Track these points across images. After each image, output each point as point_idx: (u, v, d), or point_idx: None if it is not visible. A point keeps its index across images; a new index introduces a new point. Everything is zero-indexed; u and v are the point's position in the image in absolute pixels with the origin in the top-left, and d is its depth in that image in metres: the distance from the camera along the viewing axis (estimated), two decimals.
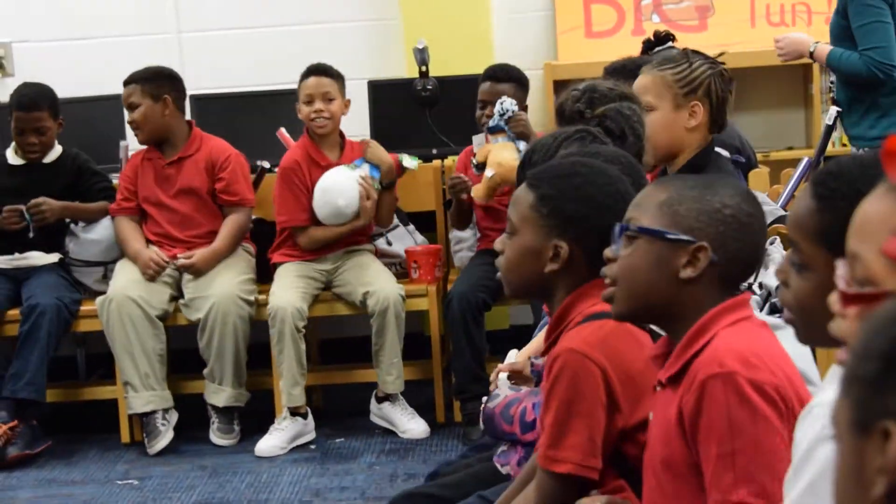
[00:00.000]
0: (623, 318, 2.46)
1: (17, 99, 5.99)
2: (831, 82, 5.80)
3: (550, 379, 2.62)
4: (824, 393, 1.98)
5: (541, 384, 2.94)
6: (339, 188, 5.80)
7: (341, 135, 6.00)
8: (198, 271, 5.90)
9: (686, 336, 2.33)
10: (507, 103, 5.58)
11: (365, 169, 5.86)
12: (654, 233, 2.35)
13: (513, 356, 3.54)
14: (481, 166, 5.59)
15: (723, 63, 3.98)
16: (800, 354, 2.97)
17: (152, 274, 5.86)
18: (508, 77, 5.86)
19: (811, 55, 5.52)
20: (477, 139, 5.77)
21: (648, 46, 5.13)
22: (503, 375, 3.44)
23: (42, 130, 5.96)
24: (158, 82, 5.97)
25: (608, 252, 2.43)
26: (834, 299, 1.59)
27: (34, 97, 5.97)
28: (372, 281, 5.78)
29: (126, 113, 6.01)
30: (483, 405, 3.38)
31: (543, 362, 3.27)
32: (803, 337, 2.04)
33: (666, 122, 3.81)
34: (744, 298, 2.39)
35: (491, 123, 5.58)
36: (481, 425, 3.42)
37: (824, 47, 5.45)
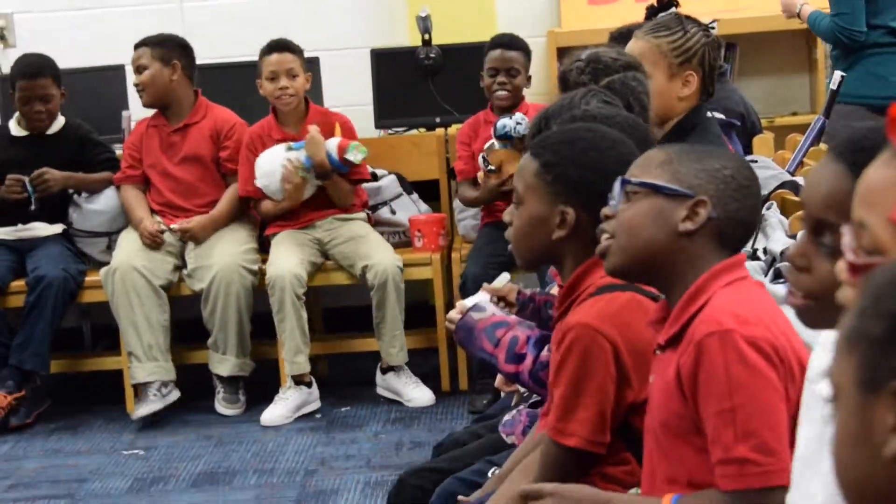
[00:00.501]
0: (615, 272, 2.45)
1: (21, 68, 5.97)
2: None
3: (562, 351, 2.62)
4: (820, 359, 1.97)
5: (549, 344, 2.92)
6: (264, 168, 5.81)
7: (307, 105, 5.97)
8: (195, 237, 5.89)
9: (683, 298, 2.33)
10: (524, 126, 5.50)
11: (300, 155, 5.80)
12: (655, 187, 2.36)
13: (503, 279, 3.48)
14: (492, 170, 5.59)
15: (713, 28, 3.96)
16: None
17: (151, 245, 5.86)
18: (517, 45, 5.83)
19: (798, 14, 5.73)
20: (487, 144, 5.69)
21: (652, 12, 5.11)
22: (486, 295, 3.38)
23: (47, 98, 5.96)
24: (169, 47, 5.97)
25: (606, 210, 2.43)
26: (841, 268, 1.57)
27: (38, 65, 5.96)
28: (370, 254, 5.77)
29: (134, 76, 6.00)
30: (465, 311, 3.31)
31: (531, 292, 3.28)
32: (819, 321, 1.94)
33: (659, 91, 3.75)
34: (739, 259, 2.38)
35: (501, 130, 5.49)
36: (455, 333, 3.33)
37: (808, 8, 5.68)
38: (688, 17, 3.93)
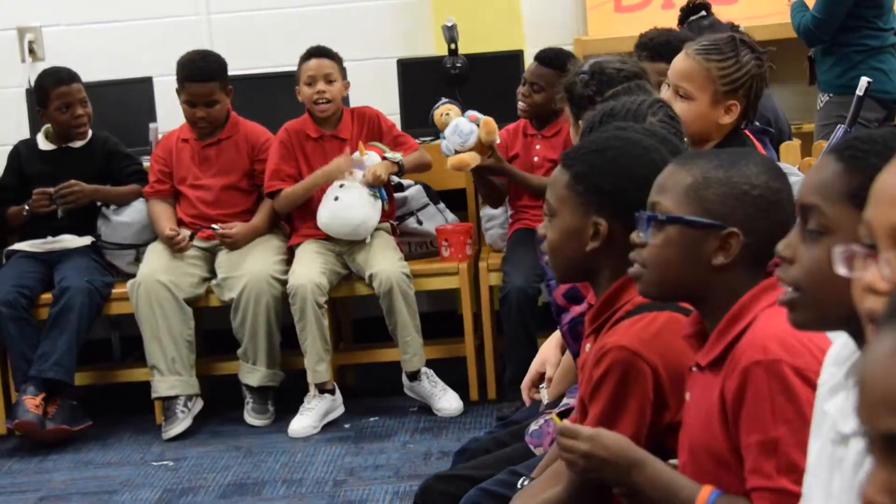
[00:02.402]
0: (648, 296, 2.43)
1: (54, 77, 6.00)
2: None
3: (600, 372, 2.59)
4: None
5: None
6: (348, 203, 5.81)
7: (341, 112, 6.00)
8: (234, 244, 5.90)
9: (724, 319, 2.30)
10: (460, 139, 5.63)
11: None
12: (684, 221, 2.31)
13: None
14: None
15: (766, 55, 3.82)
16: None
17: (177, 250, 5.87)
18: (551, 63, 5.75)
19: None
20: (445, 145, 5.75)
21: (685, 16, 5.11)
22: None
23: (85, 102, 6.00)
24: (226, 73, 6.00)
25: (635, 237, 2.38)
26: (877, 278, 1.53)
27: (70, 72, 6.01)
28: (375, 262, 5.78)
29: (198, 109, 5.95)
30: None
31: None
32: (809, 316, 1.93)
33: (701, 115, 3.67)
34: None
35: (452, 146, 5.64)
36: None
37: None
38: (742, 42, 3.76)
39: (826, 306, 1.88)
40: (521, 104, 5.80)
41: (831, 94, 6.08)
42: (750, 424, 2.22)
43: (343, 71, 5.95)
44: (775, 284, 2.27)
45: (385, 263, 5.77)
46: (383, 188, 5.87)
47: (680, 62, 3.74)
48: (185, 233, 5.92)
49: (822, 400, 1.94)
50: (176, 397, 5.80)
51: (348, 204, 5.79)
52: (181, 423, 5.78)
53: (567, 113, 3.77)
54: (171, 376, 5.79)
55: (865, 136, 1.93)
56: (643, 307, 2.60)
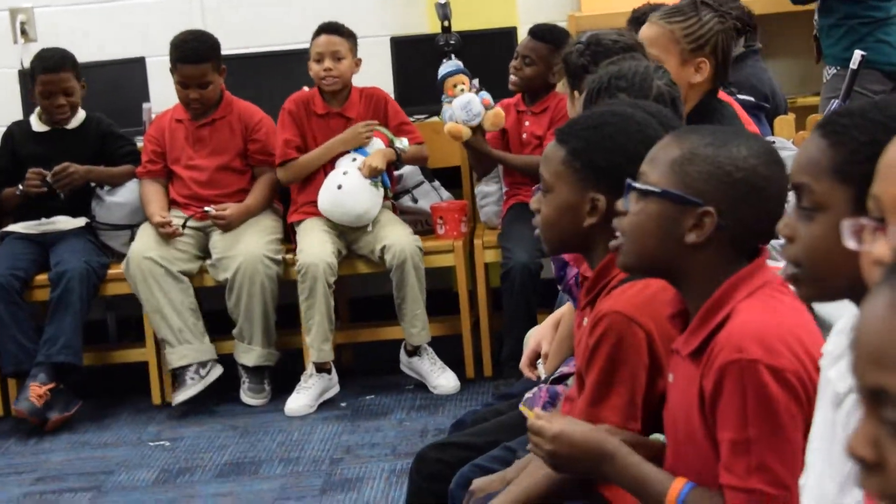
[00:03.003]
0: (627, 270, 2.44)
1: (41, 62, 5.98)
2: (816, 20, 6.26)
3: (594, 338, 2.59)
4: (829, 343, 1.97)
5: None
6: (351, 189, 5.80)
7: (350, 90, 6.00)
8: (228, 225, 5.90)
9: (703, 308, 2.29)
10: (465, 113, 5.70)
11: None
12: (660, 193, 2.31)
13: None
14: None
15: (731, 14, 3.91)
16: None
17: (164, 234, 5.87)
18: (544, 37, 5.79)
19: None
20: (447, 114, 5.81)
21: None
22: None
23: (69, 91, 5.96)
24: (219, 54, 5.98)
25: (619, 205, 2.39)
26: (885, 251, 1.54)
27: (58, 59, 5.97)
28: (387, 235, 5.78)
29: (191, 91, 5.93)
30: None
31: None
32: (812, 290, 1.96)
33: (671, 76, 3.74)
34: (759, 263, 2.31)
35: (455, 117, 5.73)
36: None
37: None
38: (703, 2, 3.85)
39: (827, 279, 1.89)
40: (512, 77, 5.82)
41: (838, 68, 6.03)
42: (724, 422, 2.22)
43: (354, 48, 5.93)
44: (755, 271, 2.29)
45: (398, 236, 5.77)
46: (385, 173, 5.86)
47: (645, 30, 3.83)
48: (177, 222, 5.91)
49: (826, 368, 1.95)
50: (187, 366, 5.79)
51: (351, 193, 5.77)
52: (188, 390, 5.77)
53: (564, 85, 3.77)
54: (180, 346, 5.78)
55: (844, 110, 1.94)
56: None
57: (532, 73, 5.78)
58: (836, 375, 1.89)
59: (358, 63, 5.94)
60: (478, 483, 2.95)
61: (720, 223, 2.27)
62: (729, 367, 2.20)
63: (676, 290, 2.39)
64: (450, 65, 5.84)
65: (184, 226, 5.92)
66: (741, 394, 2.19)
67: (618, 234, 2.39)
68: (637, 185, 2.34)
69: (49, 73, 5.93)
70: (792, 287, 1.97)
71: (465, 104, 5.72)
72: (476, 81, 5.83)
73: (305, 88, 6.11)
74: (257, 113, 6.07)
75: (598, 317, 2.60)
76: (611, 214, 2.60)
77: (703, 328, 2.28)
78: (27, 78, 6.20)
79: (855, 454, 1.29)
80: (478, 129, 5.75)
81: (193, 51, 5.90)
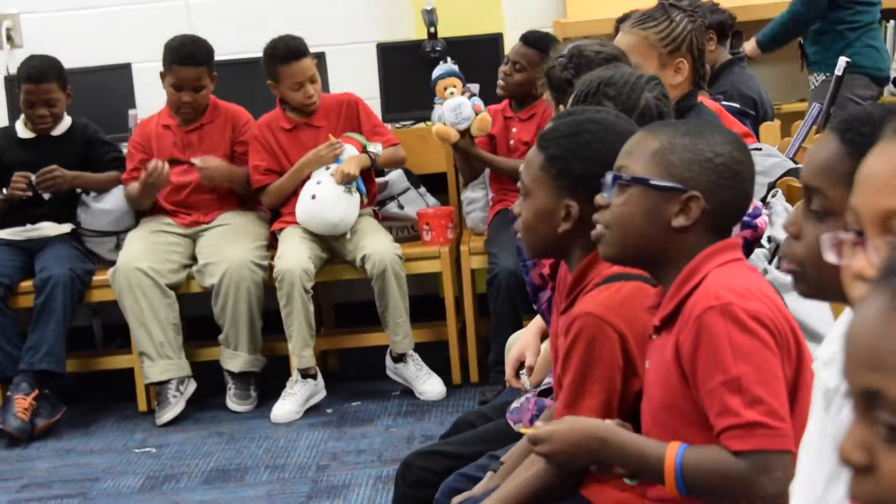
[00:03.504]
0: (611, 260, 2.49)
1: (26, 71, 5.96)
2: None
3: (569, 340, 2.62)
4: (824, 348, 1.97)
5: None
6: (324, 197, 5.79)
7: None
8: (211, 179, 5.90)
9: (677, 279, 2.36)
10: (455, 115, 5.73)
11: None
12: (647, 182, 2.38)
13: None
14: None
15: (698, 12, 4.01)
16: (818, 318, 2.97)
17: (156, 181, 5.84)
18: (535, 44, 5.80)
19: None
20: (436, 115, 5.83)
21: None
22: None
23: (52, 102, 5.95)
24: (213, 60, 5.99)
25: (599, 199, 2.44)
26: (865, 266, 1.53)
27: (42, 69, 5.95)
28: (367, 244, 5.77)
29: (184, 94, 5.92)
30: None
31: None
32: (812, 289, 1.98)
33: None
34: (733, 242, 2.41)
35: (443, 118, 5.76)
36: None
37: (751, 43, 6.26)
38: (671, 5, 3.95)
39: (826, 282, 1.90)
40: (500, 83, 5.83)
41: (827, 74, 6.04)
42: (710, 368, 2.27)
43: (316, 61, 5.94)
44: (727, 247, 2.38)
45: (378, 245, 5.76)
46: (360, 179, 5.85)
47: (621, 39, 3.89)
48: (165, 230, 5.91)
49: (818, 372, 1.96)
50: (168, 381, 5.79)
51: (325, 202, 5.77)
52: (174, 408, 5.78)
53: (548, 99, 3.77)
54: (161, 361, 5.78)
55: (866, 117, 1.94)
56: (611, 278, 2.64)
57: (521, 80, 5.79)
58: (826, 377, 1.90)
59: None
60: (456, 500, 2.96)
61: (704, 206, 2.35)
62: (707, 312, 2.27)
63: (655, 277, 2.45)
64: (443, 67, 5.85)
65: (171, 163, 5.88)
66: (725, 334, 2.25)
67: (598, 226, 2.44)
68: (622, 175, 2.39)
69: (32, 83, 5.92)
70: (793, 284, 1.99)
71: (455, 107, 5.73)
72: (475, 87, 5.84)
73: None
74: (243, 114, 6.07)
75: (572, 319, 2.64)
76: (585, 221, 2.63)
77: (677, 295, 2.36)
78: (13, 84, 6.19)
79: (846, 459, 1.28)
80: (466, 133, 5.76)
81: (191, 54, 5.90)
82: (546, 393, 3.28)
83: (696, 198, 2.36)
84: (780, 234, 3.33)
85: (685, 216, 2.37)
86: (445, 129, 5.74)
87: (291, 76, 5.82)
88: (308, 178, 5.84)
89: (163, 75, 5.96)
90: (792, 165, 3.96)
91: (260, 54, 5.99)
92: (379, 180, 6.18)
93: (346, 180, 5.75)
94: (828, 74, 6.01)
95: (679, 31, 3.85)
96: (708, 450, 2.30)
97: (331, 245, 5.89)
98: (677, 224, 2.36)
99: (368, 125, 5.97)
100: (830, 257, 1.59)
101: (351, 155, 5.83)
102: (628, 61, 3.69)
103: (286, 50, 5.81)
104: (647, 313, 2.45)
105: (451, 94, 5.78)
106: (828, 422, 1.88)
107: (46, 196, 5.91)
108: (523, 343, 3.63)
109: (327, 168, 5.80)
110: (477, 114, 5.75)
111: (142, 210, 6.06)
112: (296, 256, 5.71)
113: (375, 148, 5.88)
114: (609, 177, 2.41)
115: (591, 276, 2.68)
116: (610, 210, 2.42)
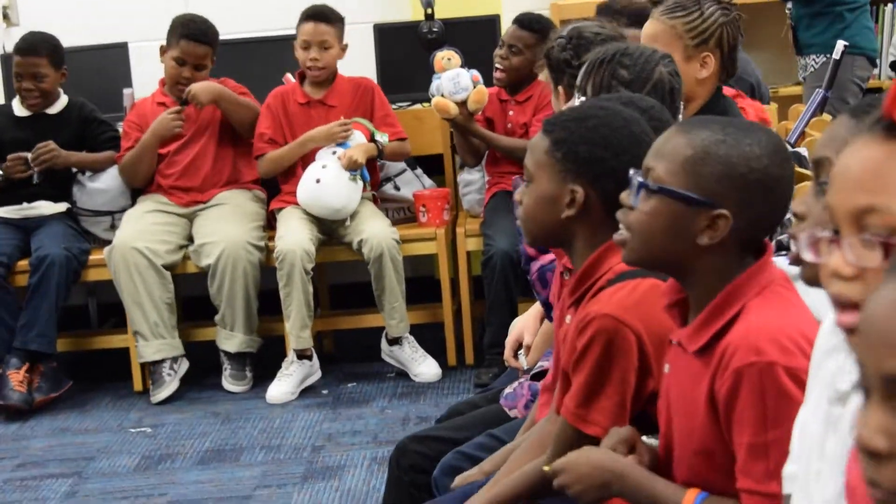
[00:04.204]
0: (632, 264, 2.40)
1: (18, 44, 6.00)
2: (788, 9, 6.27)
3: (584, 340, 2.58)
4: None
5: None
6: (329, 184, 5.79)
7: (334, 75, 6.00)
8: (196, 97, 5.88)
9: (711, 305, 2.25)
10: (451, 87, 5.74)
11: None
12: (675, 194, 2.26)
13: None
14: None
15: (735, 6, 3.86)
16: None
17: (178, 124, 5.90)
18: (530, 26, 5.79)
19: None
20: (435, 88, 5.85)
21: None
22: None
23: (39, 77, 5.94)
24: (217, 43, 6.01)
25: (624, 197, 2.33)
26: (841, 263, 1.53)
27: (34, 42, 5.96)
28: (365, 228, 5.77)
29: (185, 69, 5.94)
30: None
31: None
32: (817, 276, 1.97)
33: None
34: (767, 260, 2.28)
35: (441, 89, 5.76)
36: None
37: None
38: None
39: None
40: (497, 68, 5.81)
41: (827, 55, 5.89)
42: (742, 425, 2.19)
43: (342, 34, 5.93)
44: (762, 268, 2.26)
45: (375, 229, 5.76)
46: (364, 168, 5.85)
47: (647, 27, 3.80)
48: (163, 209, 5.93)
49: (818, 361, 1.95)
50: (162, 361, 5.80)
51: (329, 187, 5.76)
52: (168, 387, 5.78)
53: (548, 80, 3.77)
54: (155, 340, 5.79)
55: (879, 99, 1.92)
56: (624, 275, 2.59)
57: (518, 63, 5.78)
58: (833, 367, 1.88)
59: (344, 49, 5.94)
60: (458, 479, 2.96)
61: (733, 225, 2.23)
62: (746, 370, 2.17)
63: (681, 284, 2.35)
64: (443, 49, 5.88)
65: (182, 102, 5.92)
66: (760, 396, 2.16)
67: (622, 227, 2.34)
68: (649, 183, 2.28)
69: (21, 55, 5.95)
70: (801, 276, 1.94)
71: (453, 77, 5.74)
72: (475, 71, 5.83)
73: (289, 76, 6.10)
74: (237, 87, 6.07)
75: (587, 319, 2.58)
76: (589, 208, 2.61)
77: (711, 325, 2.25)
78: (9, 63, 6.18)
79: (866, 445, 1.26)
80: (464, 107, 5.76)
81: (201, 31, 5.93)
82: (539, 376, 3.28)
83: (724, 217, 2.22)
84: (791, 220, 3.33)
85: (711, 234, 2.24)
86: (444, 102, 5.74)
87: (303, 34, 5.87)
88: (312, 159, 5.83)
89: (164, 49, 5.95)
90: (792, 151, 3.94)
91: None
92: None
93: (352, 167, 5.75)
94: (828, 56, 5.98)
95: (709, 24, 3.73)
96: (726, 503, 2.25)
97: (329, 227, 5.88)
98: (703, 242, 2.24)
99: (381, 113, 5.97)
100: (808, 256, 1.58)
101: (359, 142, 5.82)
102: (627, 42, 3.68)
103: (309, 10, 5.91)
104: (664, 312, 2.37)
105: (449, 61, 5.78)
106: (844, 417, 1.85)
107: (36, 179, 5.91)
108: (522, 324, 3.64)
109: (333, 153, 5.79)
110: (475, 85, 5.74)
111: (136, 186, 6.06)
112: (297, 237, 5.71)
113: (382, 138, 5.87)
114: (636, 180, 2.29)
115: (602, 271, 2.63)
116: (634, 215, 2.30)
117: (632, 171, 2.31)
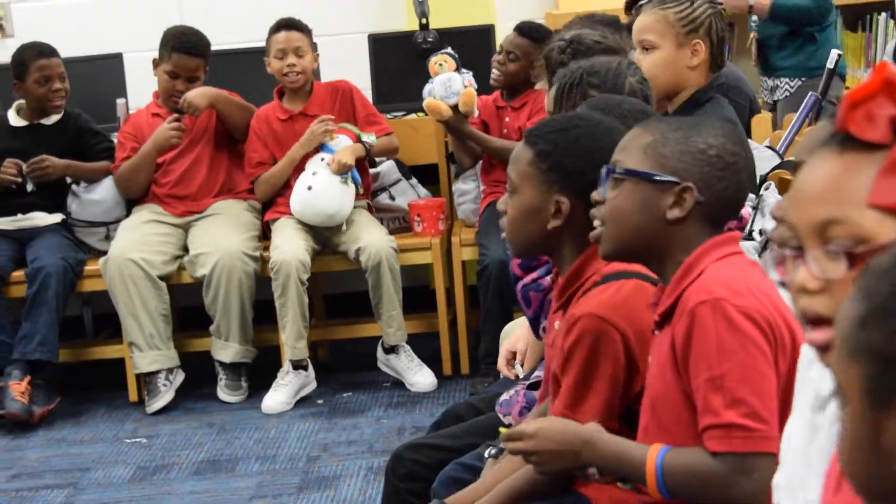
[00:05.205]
0: (611, 258, 2.49)
1: (35, 49, 5.97)
2: (753, 21, 6.13)
3: (570, 341, 2.61)
4: None
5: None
6: (320, 190, 5.79)
7: (311, 85, 6.01)
8: (192, 105, 5.87)
9: (676, 274, 2.37)
10: (443, 89, 5.77)
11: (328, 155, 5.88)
12: (640, 174, 2.38)
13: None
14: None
15: (721, 3, 4.04)
16: None
17: (178, 135, 5.90)
18: (529, 34, 5.81)
19: (750, 9, 5.95)
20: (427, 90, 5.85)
21: (632, 1, 5.14)
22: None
23: (64, 77, 5.97)
24: (209, 55, 6.03)
25: (595, 195, 2.45)
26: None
27: (50, 46, 5.99)
28: (363, 236, 5.77)
29: (179, 83, 5.95)
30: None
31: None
32: None
33: (668, 61, 3.85)
34: (732, 236, 2.42)
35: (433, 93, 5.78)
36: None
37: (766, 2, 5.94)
38: None
39: None
40: (494, 72, 5.83)
41: (804, 79, 5.94)
42: (697, 363, 2.28)
43: (313, 44, 5.94)
44: (726, 241, 2.39)
45: (373, 237, 5.77)
46: (355, 169, 5.85)
47: (640, 20, 3.95)
48: (158, 220, 5.93)
49: (804, 370, 1.96)
50: (157, 372, 5.79)
51: (320, 193, 5.76)
52: (164, 397, 5.78)
53: (545, 82, 3.80)
54: (150, 351, 5.78)
55: None
56: (610, 276, 2.63)
57: (515, 69, 5.80)
58: (817, 375, 1.90)
59: (316, 58, 5.96)
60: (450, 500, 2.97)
61: (699, 198, 2.35)
62: (698, 307, 2.28)
63: (655, 272, 2.46)
64: (441, 51, 5.89)
65: (177, 117, 5.93)
66: (713, 330, 2.26)
67: (596, 223, 2.44)
68: (615, 169, 2.40)
69: (45, 57, 5.95)
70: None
71: (445, 81, 5.76)
72: (468, 73, 5.83)
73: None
74: (234, 96, 6.07)
75: (573, 320, 2.62)
76: (575, 218, 2.63)
77: (676, 290, 2.36)
78: (6, 73, 6.17)
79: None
80: (456, 110, 5.77)
81: (193, 44, 5.94)
82: (535, 386, 3.28)
83: (689, 189, 2.36)
84: (770, 227, 3.34)
85: (679, 208, 2.36)
86: (436, 103, 5.75)
87: (276, 43, 5.88)
88: (303, 169, 5.83)
89: (157, 62, 5.96)
90: (779, 160, 3.97)
91: (251, 45, 5.99)
92: (371, 171, 6.18)
93: (342, 170, 5.75)
94: (804, 79, 5.94)
95: (698, 13, 3.88)
96: (688, 451, 2.31)
97: (325, 236, 5.89)
98: (672, 216, 2.36)
99: (363, 113, 5.98)
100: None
101: (345, 145, 5.83)
102: (626, 56, 3.71)
103: (279, 21, 5.92)
104: (648, 310, 2.45)
105: (441, 66, 5.79)
106: (822, 424, 1.87)
107: (30, 187, 5.91)
108: (516, 333, 3.65)
109: (322, 159, 5.80)
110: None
111: (132, 196, 6.06)
112: (292, 248, 5.71)
113: (369, 138, 5.88)
114: (603, 171, 2.42)
115: (588, 273, 2.67)
116: (605, 205, 2.42)
117: (603, 170, 2.43)
